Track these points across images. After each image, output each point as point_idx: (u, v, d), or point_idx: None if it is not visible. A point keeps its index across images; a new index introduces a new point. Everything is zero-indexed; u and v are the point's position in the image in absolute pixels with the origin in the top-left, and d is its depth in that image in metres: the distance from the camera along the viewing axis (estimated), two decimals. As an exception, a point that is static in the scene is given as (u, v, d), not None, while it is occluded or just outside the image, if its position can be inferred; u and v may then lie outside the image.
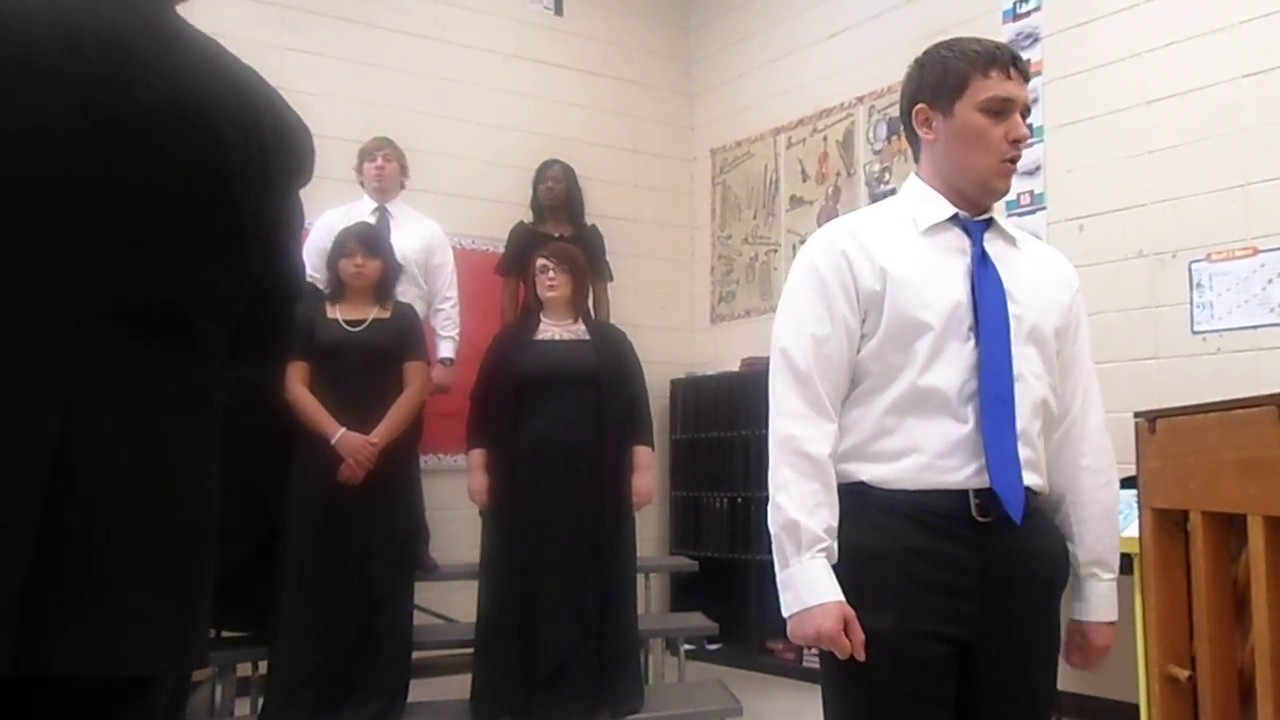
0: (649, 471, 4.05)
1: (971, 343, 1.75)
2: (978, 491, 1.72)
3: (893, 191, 5.44)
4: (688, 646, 4.76)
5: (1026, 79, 1.84)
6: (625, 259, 5.69)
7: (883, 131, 5.62)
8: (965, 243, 1.82)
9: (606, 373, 3.96)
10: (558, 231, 5.11)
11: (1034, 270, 1.87)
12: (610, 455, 3.92)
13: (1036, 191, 4.75)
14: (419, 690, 4.02)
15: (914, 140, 1.91)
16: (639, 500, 3.99)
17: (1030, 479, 1.76)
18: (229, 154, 1.28)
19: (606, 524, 3.87)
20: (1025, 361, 1.78)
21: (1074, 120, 4.65)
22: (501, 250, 5.33)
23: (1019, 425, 1.74)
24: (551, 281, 4.03)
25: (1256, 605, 2.07)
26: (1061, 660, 1.89)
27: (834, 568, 1.72)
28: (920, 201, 1.86)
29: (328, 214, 4.63)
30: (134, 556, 1.20)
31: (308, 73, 5.41)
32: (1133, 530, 2.71)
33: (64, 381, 1.18)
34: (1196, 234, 4.18)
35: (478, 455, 3.97)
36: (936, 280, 1.78)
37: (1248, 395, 2.27)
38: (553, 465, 3.83)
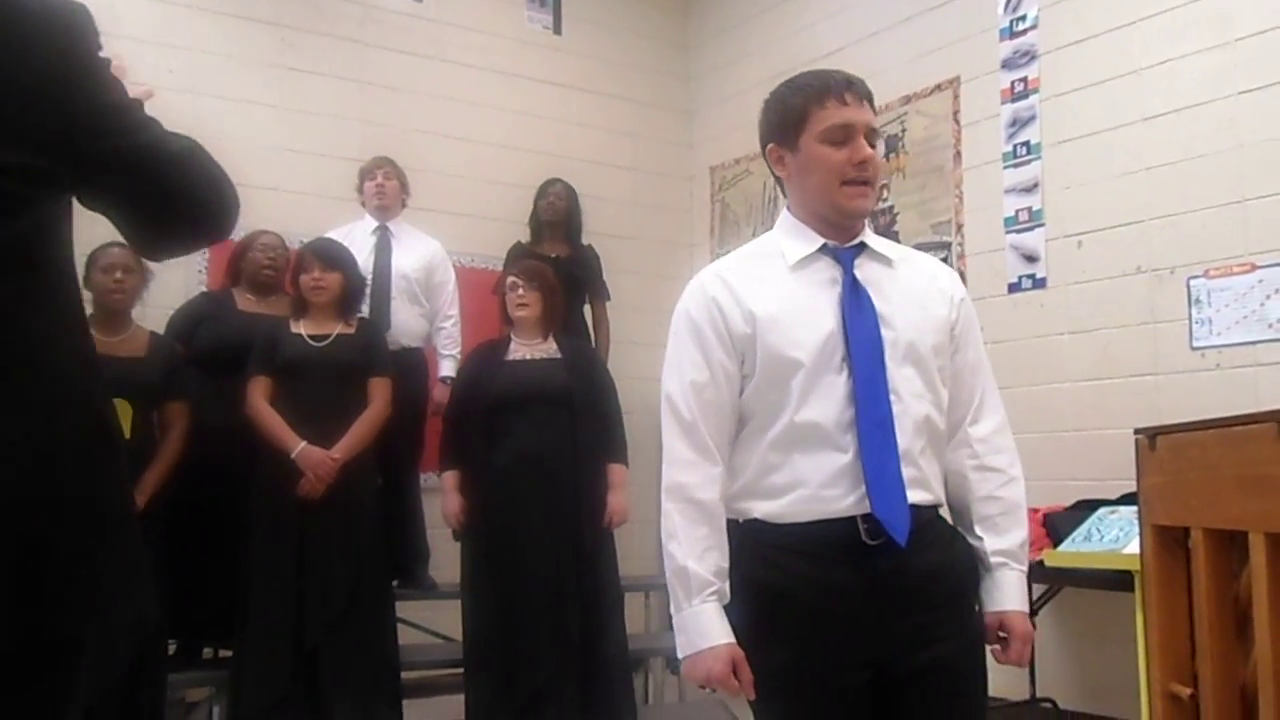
0: (623, 490, 4.00)
1: (845, 373, 1.77)
2: (864, 517, 1.74)
3: (890, 209, 5.46)
4: (688, 665, 4.74)
5: (867, 100, 1.86)
6: (623, 276, 5.69)
7: (879, 150, 5.62)
8: (836, 272, 1.85)
9: (579, 391, 3.94)
10: (554, 252, 5.11)
11: (910, 289, 1.88)
12: (586, 474, 3.90)
13: (1035, 208, 4.75)
14: (417, 710, 4.00)
15: (778, 179, 1.95)
16: (614, 519, 3.96)
17: (918, 496, 1.78)
18: None
19: (585, 543, 3.85)
20: (904, 382, 1.80)
21: (1071, 137, 4.65)
22: (501, 269, 5.34)
23: (901, 446, 1.76)
24: (521, 299, 4.00)
25: (1258, 622, 2.06)
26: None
27: (734, 606, 1.79)
28: (788, 237, 1.90)
29: (330, 234, 4.62)
30: None
31: (308, 92, 5.41)
32: (1134, 547, 2.70)
33: None
34: (1194, 250, 4.18)
35: (450, 477, 3.95)
36: (806, 315, 1.81)
37: (1247, 411, 2.27)
38: (528, 485, 3.81)
